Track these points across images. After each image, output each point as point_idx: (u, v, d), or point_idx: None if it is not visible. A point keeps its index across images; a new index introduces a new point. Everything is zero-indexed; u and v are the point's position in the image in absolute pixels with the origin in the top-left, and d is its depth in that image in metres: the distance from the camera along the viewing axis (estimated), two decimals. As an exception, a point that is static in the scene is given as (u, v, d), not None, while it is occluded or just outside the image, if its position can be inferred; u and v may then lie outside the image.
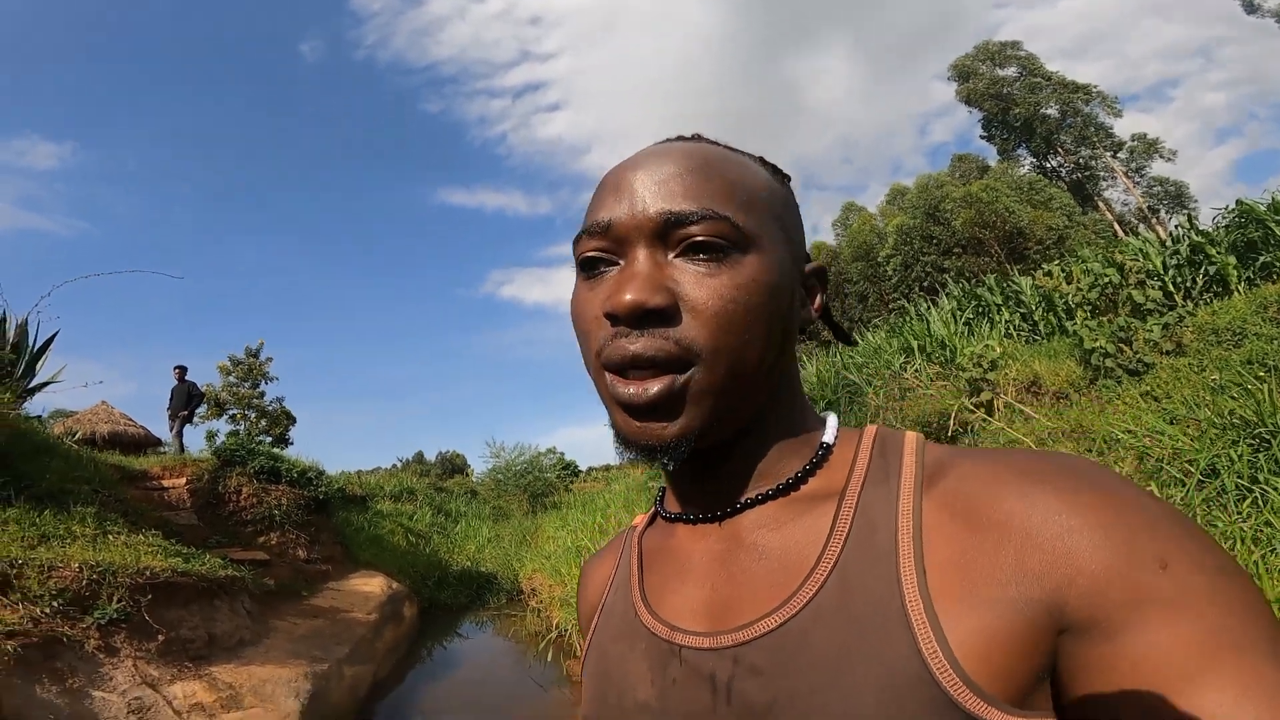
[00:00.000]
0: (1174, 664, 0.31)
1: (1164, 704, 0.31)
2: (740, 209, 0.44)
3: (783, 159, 0.55)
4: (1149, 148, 30.35)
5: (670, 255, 0.44)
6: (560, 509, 14.74)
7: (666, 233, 0.43)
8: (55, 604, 3.67)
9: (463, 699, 5.56)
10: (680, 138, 0.51)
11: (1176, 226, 8.83)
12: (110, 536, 4.85)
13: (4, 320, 6.05)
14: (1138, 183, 30.48)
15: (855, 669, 0.36)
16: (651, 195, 0.44)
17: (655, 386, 0.42)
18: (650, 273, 0.43)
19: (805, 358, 13.19)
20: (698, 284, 0.42)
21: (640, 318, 0.42)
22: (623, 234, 0.44)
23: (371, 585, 7.76)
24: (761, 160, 0.52)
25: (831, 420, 0.51)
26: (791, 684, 0.38)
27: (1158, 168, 30.58)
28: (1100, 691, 0.33)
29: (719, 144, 0.50)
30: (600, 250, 0.45)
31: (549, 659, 6.06)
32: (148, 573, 4.29)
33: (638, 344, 0.42)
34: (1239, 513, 2.69)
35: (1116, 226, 27.32)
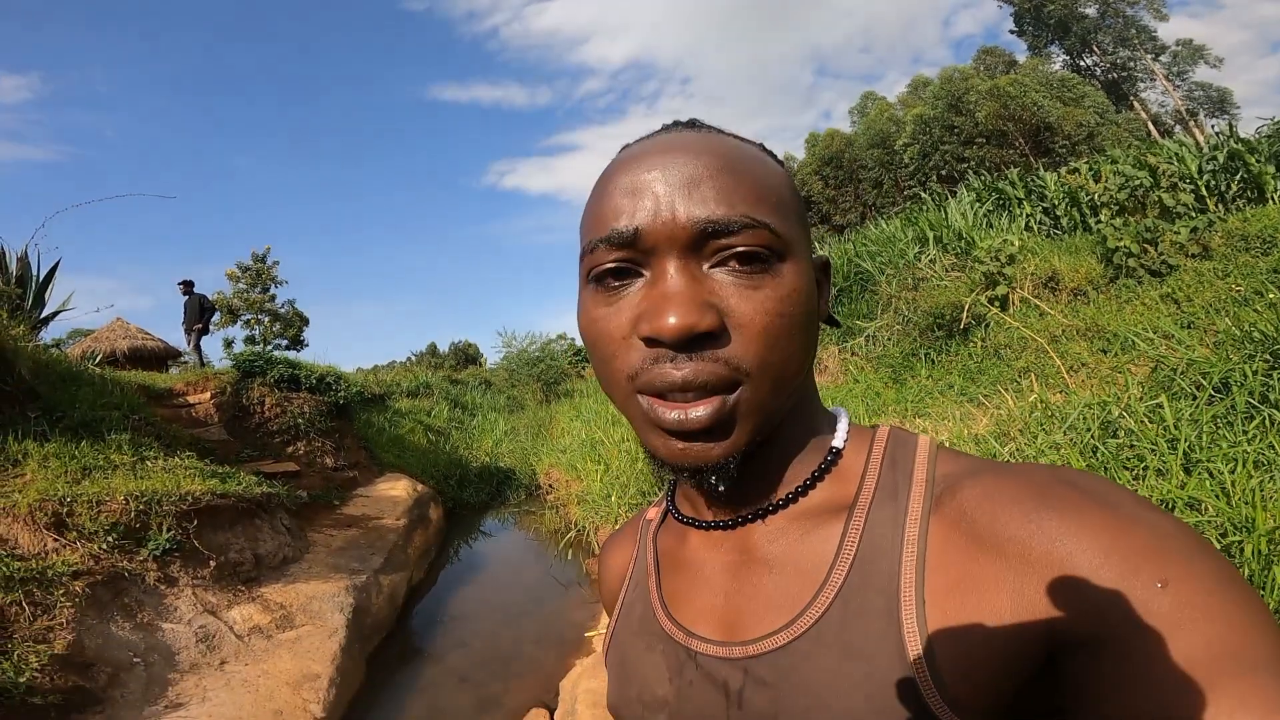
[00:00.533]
0: (1169, 680, 0.32)
1: (1157, 718, 0.32)
2: (774, 212, 0.42)
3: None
4: (1194, 53, 28.72)
5: (705, 266, 0.41)
6: (573, 397, 15.16)
7: (702, 243, 0.41)
8: (110, 539, 3.87)
9: (490, 600, 6.02)
10: (677, 124, 0.48)
11: (1217, 133, 8.33)
12: (148, 463, 4.99)
13: (3, 255, 5.99)
14: (1178, 86, 28.64)
15: (849, 694, 0.39)
16: (681, 200, 0.41)
17: (703, 409, 0.40)
18: (693, 290, 0.40)
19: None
20: (742, 299, 0.41)
21: (689, 341, 0.40)
22: (651, 244, 0.41)
23: (398, 489, 8.12)
24: (762, 148, 0.49)
25: (842, 420, 0.51)
26: (793, 701, 0.41)
27: (1202, 73, 29.04)
28: (1096, 706, 0.34)
29: (726, 133, 0.47)
30: (623, 261, 0.42)
31: (569, 557, 6.51)
32: (190, 498, 4.48)
33: (686, 369, 0.40)
34: (1245, 433, 2.69)
35: (1151, 127, 25.91)
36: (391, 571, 5.62)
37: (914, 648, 0.38)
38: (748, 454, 0.43)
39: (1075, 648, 0.35)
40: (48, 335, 6.92)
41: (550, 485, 9.33)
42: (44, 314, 6.41)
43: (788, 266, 0.42)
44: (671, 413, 0.41)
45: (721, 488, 0.44)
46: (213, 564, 4.31)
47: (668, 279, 0.41)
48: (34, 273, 6.31)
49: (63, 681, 2.93)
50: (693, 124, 0.48)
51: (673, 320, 0.39)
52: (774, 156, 0.49)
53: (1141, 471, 2.73)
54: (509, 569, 7.19)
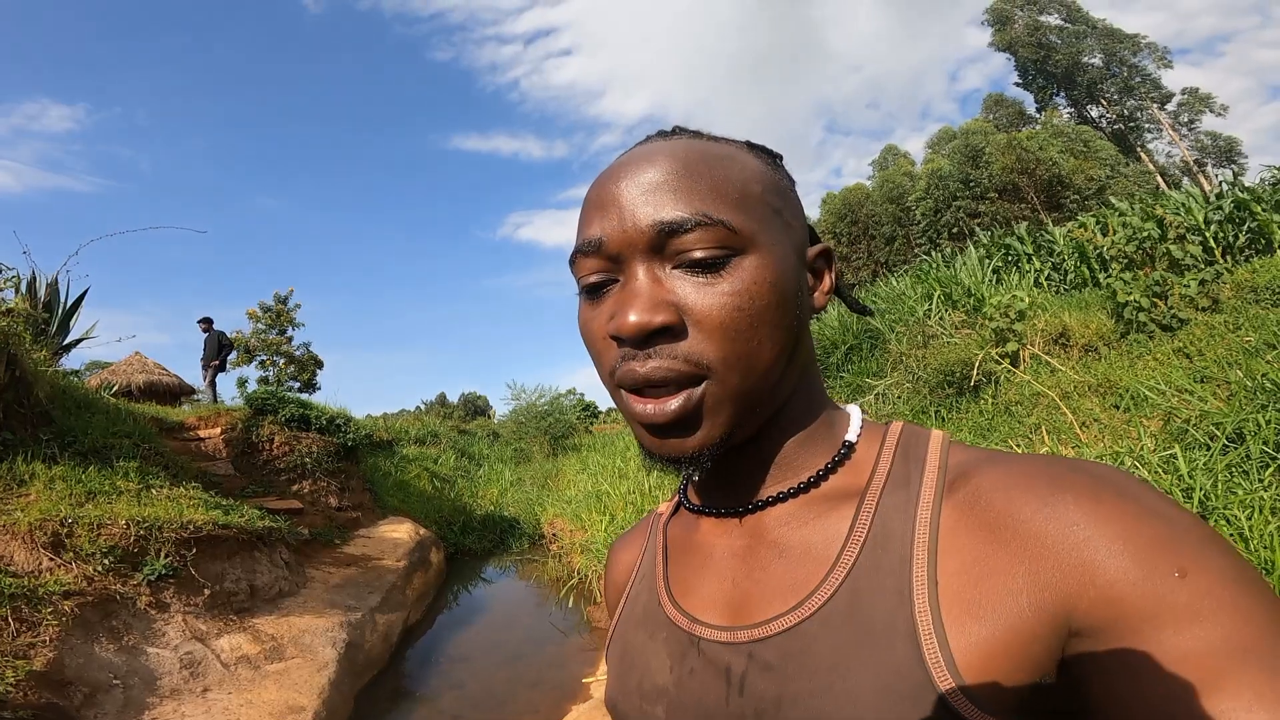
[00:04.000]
0: (1186, 671, 0.31)
1: (1174, 709, 0.31)
2: (733, 209, 0.43)
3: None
4: (1200, 101, 29.12)
5: (668, 267, 0.43)
6: (580, 451, 15.09)
7: (661, 244, 0.42)
8: (106, 561, 3.84)
9: (487, 644, 5.85)
10: (661, 134, 0.51)
11: (1221, 182, 8.44)
12: (154, 490, 5.00)
13: (34, 280, 6.16)
14: (1184, 136, 29.15)
15: (857, 675, 0.38)
16: (640, 206, 0.43)
17: (672, 404, 0.42)
18: (650, 290, 0.42)
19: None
20: (700, 295, 0.42)
21: (645, 338, 0.42)
22: (616, 250, 0.44)
23: (400, 532, 8.04)
24: (749, 145, 0.51)
25: (855, 415, 0.51)
26: (798, 684, 0.40)
27: (1208, 122, 29.50)
28: (1112, 694, 0.33)
29: (703, 135, 0.49)
30: (597, 271, 0.45)
31: (569, 604, 6.34)
32: (191, 527, 4.45)
33: (647, 366, 0.42)
34: (1261, 481, 2.68)
35: (1159, 179, 26.24)
36: (388, 611, 5.50)
37: (926, 629, 0.37)
38: (732, 444, 0.45)
39: (1091, 635, 0.34)
40: (68, 363, 7.04)
41: (554, 534, 9.18)
42: (67, 340, 6.55)
43: (750, 260, 0.43)
44: (643, 406, 0.43)
45: (696, 478, 0.45)
46: (207, 592, 4.23)
47: (633, 281, 0.43)
48: (62, 299, 6.48)
49: (36, 698, 2.84)
50: (675, 131, 0.50)
51: (631, 319, 0.41)
52: (764, 152, 0.51)
53: (1157, 519, 2.70)
54: (508, 614, 7.01)
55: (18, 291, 5.64)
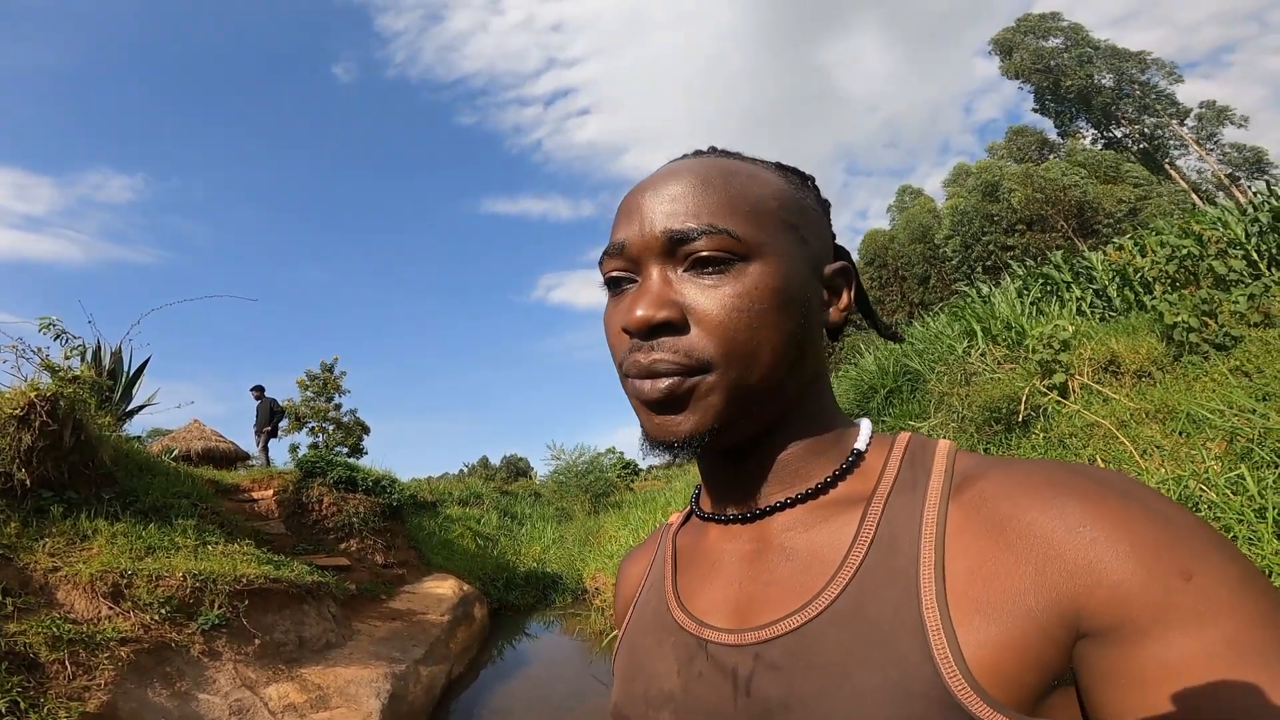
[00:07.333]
0: (1194, 672, 0.31)
1: (1182, 711, 0.31)
2: (742, 220, 0.46)
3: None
4: (1219, 114, 28.44)
5: (680, 270, 0.47)
6: (622, 508, 14.90)
7: (673, 249, 0.46)
8: (163, 611, 3.95)
9: (530, 697, 5.74)
10: (698, 152, 0.54)
11: (1256, 194, 8.20)
12: (209, 547, 5.15)
13: (99, 349, 6.49)
14: (1211, 150, 28.45)
15: (864, 673, 0.38)
16: (659, 215, 0.47)
17: (665, 383, 0.45)
18: (659, 290, 0.46)
19: (863, 347, 12.86)
20: (703, 295, 0.45)
21: (649, 332, 0.45)
22: (635, 254, 0.48)
23: (444, 588, 8.06)
24: (778, 166, 0.54)
25: (865, 426, 0.52)
26: (804, 684, 0.40)
27: (1230, 134, 28.70)
28: (1119, 697, 0.33)
29: (731, 155, 0.53)
30: (619, 270, 0.49)
31: (612, 656, 6.20)
32: (244, 580, 4.58)
33: (650, 356, 0.45)
34: None
35: (1194, 196, 25.53)
36: (431, 664, 5.46)
37: (934, 626, 0.38)
38: (732, 439, 0.48)
39: (1099, 635, 0.35)
40: (131, 429, 7.36)
41: (596, 589, 9.05)
42: (130, 407, 6.87)
43: (754, 267, 0.46)
44: (644, 384, 0.46)
45: (679, 460, 0.48)
46: (257, 642, 4.30)
47: (646, 281, 0.47)
48: (125, 368, 6.83)
49: (90, 738, 2.89)
50: (710, 150, 0.54)
51: (637, 313, 0.45)
52: (793, 173, 0.54)
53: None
54: (551, 668, 6.88)
55: (83, 360, 5.94)
